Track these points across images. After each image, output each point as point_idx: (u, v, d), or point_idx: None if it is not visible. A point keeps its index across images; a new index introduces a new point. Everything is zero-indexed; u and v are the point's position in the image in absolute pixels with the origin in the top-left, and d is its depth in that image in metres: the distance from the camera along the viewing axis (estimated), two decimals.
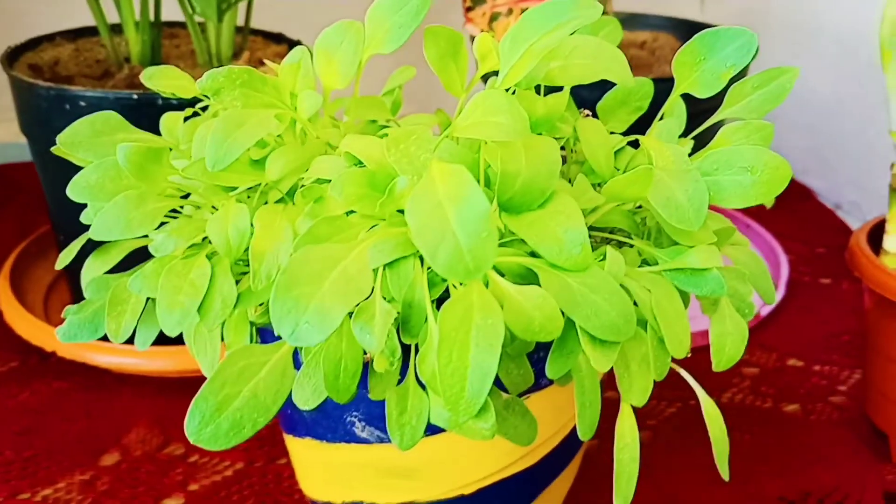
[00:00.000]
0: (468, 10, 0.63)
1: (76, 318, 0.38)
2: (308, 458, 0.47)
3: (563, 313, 0.32)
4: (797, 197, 0.95)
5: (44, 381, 0.63)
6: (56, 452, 0.56)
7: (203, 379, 0.62)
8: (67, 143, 0.37)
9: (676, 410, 0.61)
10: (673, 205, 0.33)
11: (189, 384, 0.62)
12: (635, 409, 0.35)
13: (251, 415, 0.31)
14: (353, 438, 0.43)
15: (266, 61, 0.46)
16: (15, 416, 0.60)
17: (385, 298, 0.33)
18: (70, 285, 0.70)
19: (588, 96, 0.45)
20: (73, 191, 0.35)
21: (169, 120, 0.41)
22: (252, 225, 0.34)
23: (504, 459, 0.43)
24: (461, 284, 0.32)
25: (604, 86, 0.42)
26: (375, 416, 0.42)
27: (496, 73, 0.36)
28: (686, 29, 0.80)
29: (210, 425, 0.30)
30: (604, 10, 0.70)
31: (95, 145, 0.38)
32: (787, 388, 0.65)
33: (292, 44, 0.71)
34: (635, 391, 0.33)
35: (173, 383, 0.63)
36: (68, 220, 0.63)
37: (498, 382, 0.35)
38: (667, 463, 0.57)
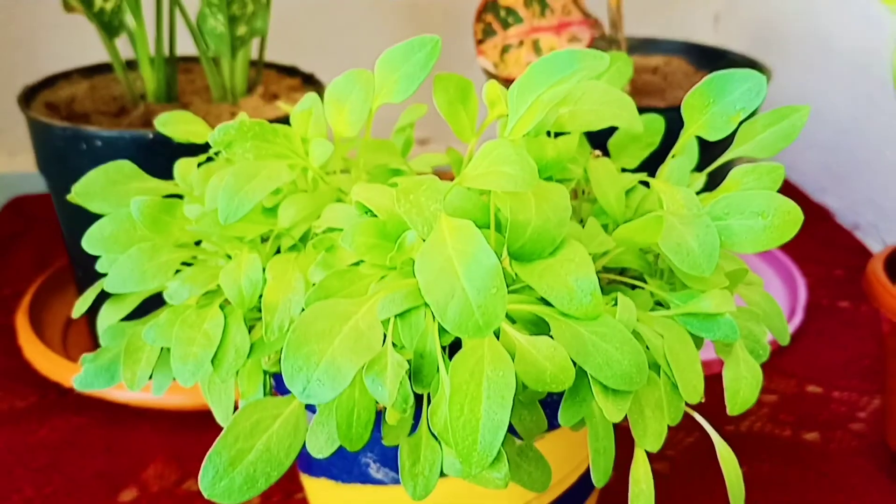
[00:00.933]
0: (479, 42, 0.63)
1: (93, 365, 0.38)
2: (323, 497, 0.47)
3: (574, 362, 0.32)
4: (814, 217, 0.94)
5: (62, 417, 0.63)
6: (75, 489, 0.57)
7: None
8: (82, 194, 0.38)
9: (694, 440, 0.61)
10: (684, 251, 0.33)
11: (207, 418, 0.63)
12: None
13: (264, 469, 0.31)
14: (367, 479, 0.43)
15: (279, 102, 0.47)
16: (34, 453, 0.60)
17: (395, 346, 0.33)
18: (89, 321, 0.71)
19: (599, 133, 0.45)
20: (88, 243, 0.36)
21: (182, 166, 0.42)
22: (264, 275, 0.35)
23: (518, 500, 0.43)
24: None
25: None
26: (390, 457, 0.42)
27: (507, 116, 0.36)
28: (699, 54, 0.80)
29: (224, 479, 0.30)
30: (615, 36, 0.70)
31: (110, 195, 0.38)
32: (806, 415, 0.64)
33: (305, 77, 0.72)
34: (649, 436, 0.33)
35: (191, 417, 0.63)
36: (86, 258, 0.64)
37: (511, 428, 0.35)
38: (685, 494, 0.56)
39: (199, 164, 0.42)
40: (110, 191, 0.38)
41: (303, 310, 0.33)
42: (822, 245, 0.89)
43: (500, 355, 0.30)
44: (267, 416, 0.31)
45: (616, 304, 0.35)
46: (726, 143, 0.45)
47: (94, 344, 0.70)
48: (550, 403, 0.36)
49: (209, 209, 0.35)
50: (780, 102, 0.42)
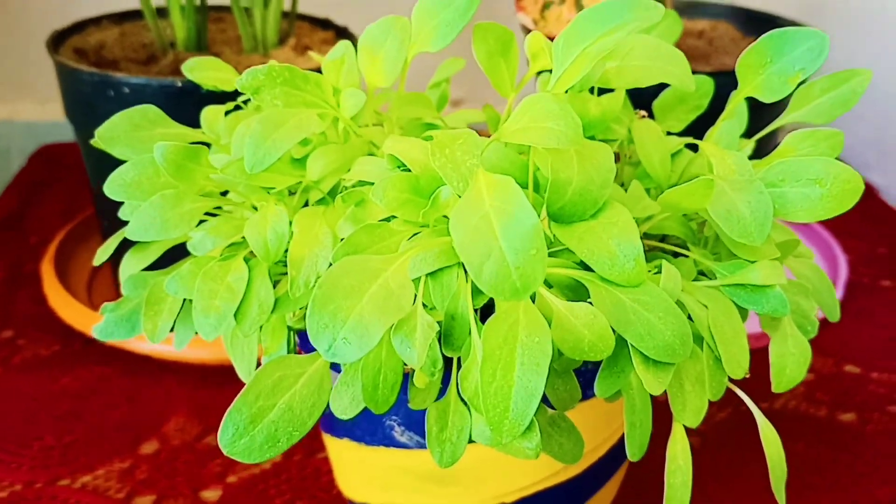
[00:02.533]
0: None
1: (113, 315, 0.37)
2: (346, 458, 0.46)
3: (613, 331, 0.30)
4: None
5: (86, 367, 0.63)
6: (96, 438, 0.56)
7: None
8: (105, 138, 0.36)
9: (727, 416, 0.59)
10: (734, 218, 0.31)
11: (229, 374, 0.62)
12: None
13: (286, 428, 0.29)
14: (392, 442, 0.42)
15: (310, 51, 0.45)
16: (57, 401, 0.60)
17: (425, 307, 0.31)
18: (114, 270, 0.70)
19: (643, 93, 0.43)
20: (110, 188, 0.34)
21: (209, 113, 0.40)
22: (291, 228, 0.33)
23: (548, 469, 0.42)
24: None
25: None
26: (415, 421, 0.40)
27: (548, 71, 0.34)
28: (746, 18, 0.77)
29: (244, 437, 0.29)
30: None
31: (133, 140, 0.37)
32: (843, 395, 0.62)
33: (339, 30, 0.70)
34: (689, 412, 0.32)
35: (214, 372, 0.63)
36: (111, 207, 0.63)
37: (543, 398, 0.33)
38: (716, 471, 0.55)
39: (227, 113, 0.41)
40: (134, 136, 0.37)
41: (330, 265, 0.32)
42: (866, 221, 0.86)
43: (536, 320, 0.29)
44: (290, 374, 0.30)
45: (658, 272, 0.33)
46: (775, 109, 0.43)
47: (117, 293, 0.69)
48: (584, 372, 0.35)
49: (235, 157, 0.33)
50: (828, 73, 0.39)
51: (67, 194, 0.87)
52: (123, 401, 0.60)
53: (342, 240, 0.31)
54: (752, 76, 0.35)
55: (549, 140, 0.29)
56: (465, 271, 0.31)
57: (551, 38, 0.35)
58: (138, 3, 0.64)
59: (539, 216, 0.32)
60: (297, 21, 0.68)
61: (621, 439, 0.45)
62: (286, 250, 0.33)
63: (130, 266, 0.38)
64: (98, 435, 0.57)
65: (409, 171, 0.33)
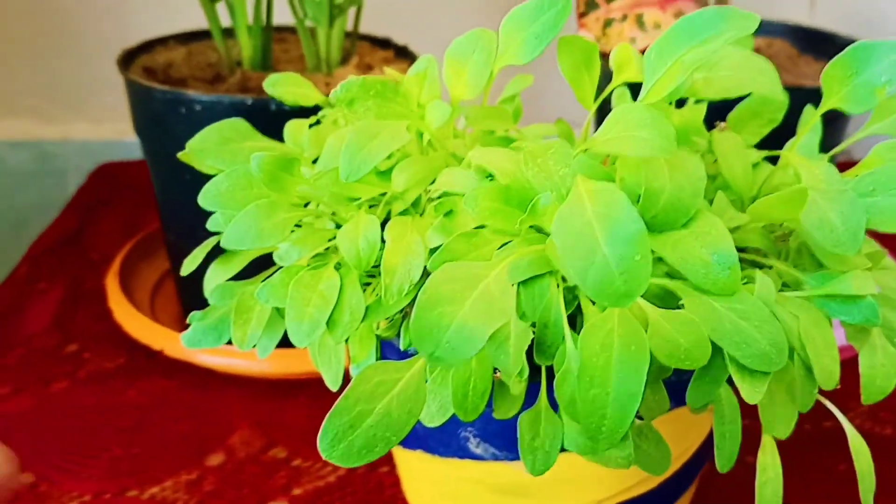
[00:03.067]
0: (581, 15, 0.61)
1: (201, 324, 0.38)
2: (417, 470, 0.46)
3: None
4: None
5: (150, 380, 0.64)
6: (162, 451, 0.57)
7: (308, 382, 0.62)
8: (196, 150, 0.37)
9: (795, 434, 0.58)
10: (827, 228, 0.31)
11: (291, 387, 0.63)
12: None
13: (384, 433, 0.30)
14: (466, 454, 0.42)
15: (385, 68, 0.46)
16: (122, 413, 0.61)
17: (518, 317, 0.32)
18: (176, 285, 0.71)
19: (715, 107, 0.43)
20: (205, 199, 0.35)
21: (293, 127, 0.41)
22: (382, 237, 0.34)
23: (625, 482, 0.42)
24: (601, 306, 0.31)
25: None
26: (491, 432, 0.41)
27: (628, 85, 0.35)
28: (801, 35, 0.77)
29: (343, 442, 0.29)
30: None
31: (223, 153, 0.37)
32: None
33: (399, 49, 0.71)
34: (779, 422, 0.32)
35: (276, 385, 0.63)
36: (179, 221, 0.64)
37: None
38: (786, 490, 0.54)
39: (311, 126, 0.41)
40: (224, 148, 0.37)
41: (425, 272, 0.32)
42: None
43: (632, 328, 0.29)
44: (388, 379, 0.30)
45: (749, 282, 0.33)
46: (839, 121, 0.43)
47: (181, 308, 0.70)
48: (669, 383, 0.35)
49: (325, 168, 0.34)
50: None
51: (126, 211, 0.89)
52: (187, 414, 0.61)
53: (437, 248, 0.32)
54: (838, 87, 0.35)
55: (642, 149, 0.30)
56: (560, 279, 0.31)
57: None
58: (201, 23, 0.65)
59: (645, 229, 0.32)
60: (358, 41, 0.69)
61: (696, 454, 0.45)
62: (376, 259, 0.34)
63: (216, 276, 0.39)
64: (164, 447, 0.58)
65: (496, 181, 0.33)
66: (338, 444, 0.29)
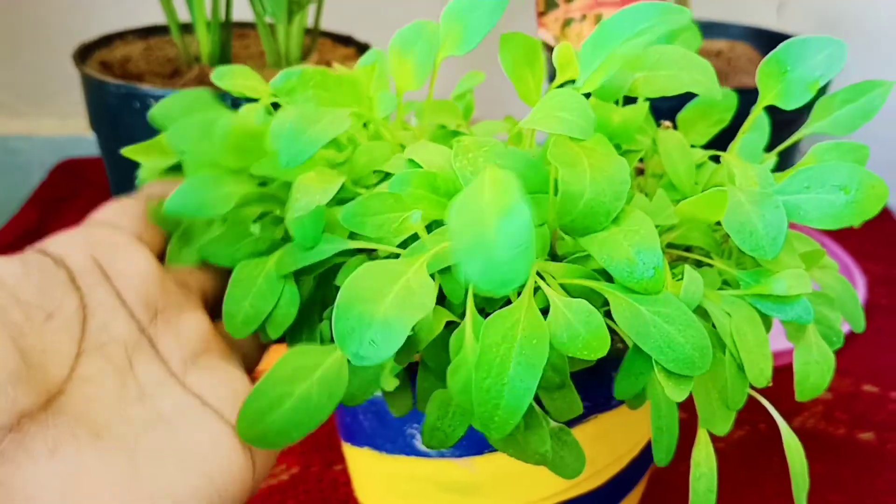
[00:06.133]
0: (541, 14, 0.61)
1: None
2: (366, 467, 0.46)
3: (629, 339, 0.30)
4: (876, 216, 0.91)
5: None
6: None
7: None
8: (160, 118, 0.37)
9: (745, 434, 0.59)
10: (747, 231, 0.31)
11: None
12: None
13: (301, 417, 0.29)
14: (413, 451, 0.42)
15: (335, 64, 0.45)
16: None
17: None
18: None
19: (664, 107, 0.43)
20: (155, 117, 0.35)
21: (245, 111, 0.40)
22: None
23: (565, 482, 0.42)
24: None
25: (681, 96, 0.40)
26: None
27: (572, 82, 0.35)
28: (764, 39, 0.78)
29: (261, 423, 0.29)
30: None
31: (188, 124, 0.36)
32: (861, 415, 0.62)
33: (360, 46, 0.70)
34: (718, 418, 0.32)
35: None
36: None
37: (544, 410, 0.33)
38: (734, 489, 0.54)
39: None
40: (189, 120, 0.36)
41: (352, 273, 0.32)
42: (883, 244, 0.86)
43: (535, 321, 0.29)
44: (309, 364, 0.29)
45: (682, 279, 0.33)
46: (795, 120, 0.43)
47: None
48: (609, 381, 0.35)
49: (271, 155, 0.34)
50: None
51: (88, 208, 0.87)
52: None
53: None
54: (773, 83, 0.36)
55: (564, 128, 0.30)
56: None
57: None
58: (161, 18, 0.65)
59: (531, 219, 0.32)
60: (319, 37, 0.69)
61: (643, 451, 0.45)
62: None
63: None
64: None
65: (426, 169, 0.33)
66: (256, 425, 0.29)
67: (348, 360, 0.29)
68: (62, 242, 0.31)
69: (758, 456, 0.57)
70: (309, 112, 0.33)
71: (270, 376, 0.29)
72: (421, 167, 0.34)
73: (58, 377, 0.28)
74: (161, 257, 0.35)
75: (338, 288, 0.29)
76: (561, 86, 0.35)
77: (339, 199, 0.35)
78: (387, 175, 0.36)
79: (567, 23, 0.62)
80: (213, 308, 0.35)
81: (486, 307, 0.33)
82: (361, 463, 0.46)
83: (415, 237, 0.32)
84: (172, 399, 0.30)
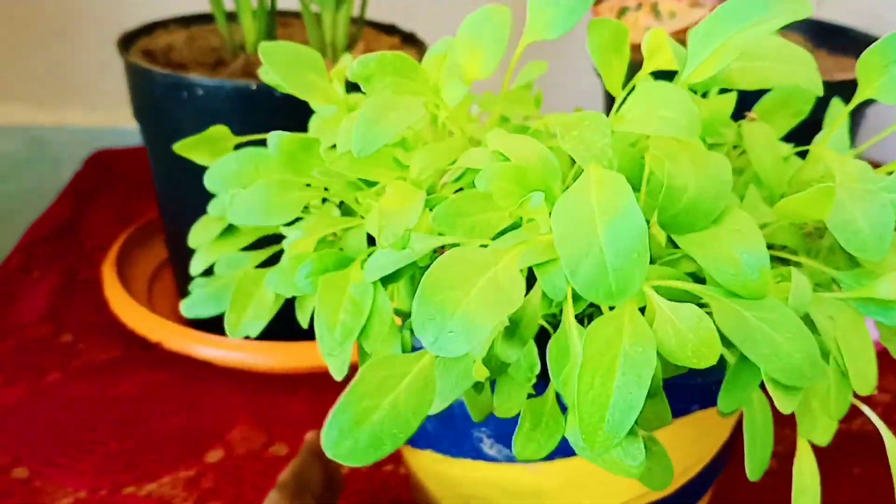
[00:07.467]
0: (596, 3, 0.60)
1: (202, 291, 0.36)
2: (426, 470, 0.45)
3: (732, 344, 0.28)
4: None
5: (146, 372, 0.62)
6: (159, 446, 0.55)
7: (309, 377, 0.60)
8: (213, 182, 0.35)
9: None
10: (851, 230, 0.30)
11: (292, 381, 0.61)
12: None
13: (391, 429, 0.28)
14: (479, 455, 0.40)
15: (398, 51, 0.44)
16: (117, 407, 0.59)
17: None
18: (174, 275, 0.69)
19: (741, 97, 0.41)
20: (210, 180, 0.33)
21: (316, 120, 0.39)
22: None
23: (639, 487, 0.40)
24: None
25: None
26: (506, 433, 0.39)
27: (657, 73, 0.33)
28: (815, 29, 0.76)
29: (349, 439, 0.28)
30: None
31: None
32: None
33: (405, 36, 0.69)
34: (819, 428, 0.30)
35: (276, 380, 0.62)
36: (179, 209, 0.62)
37: None
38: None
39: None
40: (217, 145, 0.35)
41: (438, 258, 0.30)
42: None
43: (641, 329, 0.27)
44: (395, 373, 0.28)
45: (780, 281, 0.31)
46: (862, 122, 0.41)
47: (179, 298, 0.68)
48: (677, 389, 0.33)
49: (343, 150, 0.32)
50: None
51: (121, 200, 0.87)
52: (184, 407, 0.59)
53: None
54: (875, 76, 0.34)
55: (667, 128, 0.28)
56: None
57: None
58: (203, 6, 0.63)
59: (649, 221, 0.31)
60: (364, 27, 0.67)
61: (713, 460, 0.43)
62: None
63: (207, 256, 0.37)
64: (161, 442, 0.56)
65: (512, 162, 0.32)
66: (343, 440, 0.27)
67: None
68: None
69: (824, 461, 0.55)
70: (383, 101, 0.31)
71: (356, 387, 0.27)
72: (504, 157, 0.32)
73: None
74: None
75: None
76: (652, 75, 0.34)
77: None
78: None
79: (622, 11, 0.60)
80: None
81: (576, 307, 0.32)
82: (422, 465, 0.45)
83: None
84: None
